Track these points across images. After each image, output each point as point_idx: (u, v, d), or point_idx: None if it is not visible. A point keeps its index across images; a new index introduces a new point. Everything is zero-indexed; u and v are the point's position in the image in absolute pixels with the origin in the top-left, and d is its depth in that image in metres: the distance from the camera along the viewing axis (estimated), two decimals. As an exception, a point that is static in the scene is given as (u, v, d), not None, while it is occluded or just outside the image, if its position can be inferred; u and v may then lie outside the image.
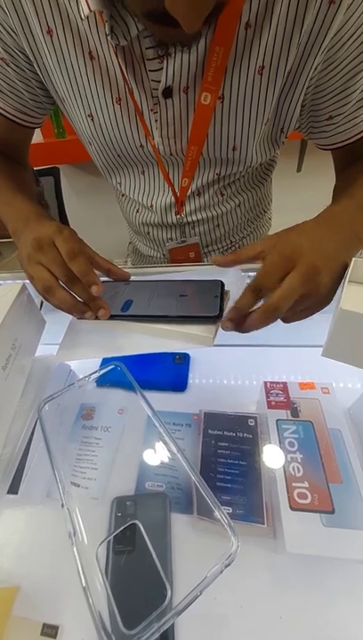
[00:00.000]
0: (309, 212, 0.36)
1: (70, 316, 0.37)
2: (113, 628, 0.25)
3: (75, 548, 0.28)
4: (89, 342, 0.35)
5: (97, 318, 0.34)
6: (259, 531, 0.34)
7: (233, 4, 0.31)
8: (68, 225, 1.46)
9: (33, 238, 0.34)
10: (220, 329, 0.33)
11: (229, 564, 0.25)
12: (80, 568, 0.27)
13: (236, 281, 0.38)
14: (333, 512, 0.31)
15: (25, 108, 0.47)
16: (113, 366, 0.39)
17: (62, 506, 0.32)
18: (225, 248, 0.63)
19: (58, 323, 0.41)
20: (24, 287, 0.39)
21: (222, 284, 0.35)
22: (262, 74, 0.36)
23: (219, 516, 0.27)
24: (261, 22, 0.33)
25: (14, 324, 0.35)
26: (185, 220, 0.54)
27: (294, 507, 0.32)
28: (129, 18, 0.32)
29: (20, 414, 0.34)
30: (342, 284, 0.31)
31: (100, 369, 0.40)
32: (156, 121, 0.41)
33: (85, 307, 0.34)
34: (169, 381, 0.50)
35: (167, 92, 0.37)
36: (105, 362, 0.46)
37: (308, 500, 0.32)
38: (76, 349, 0.35)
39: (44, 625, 0.33)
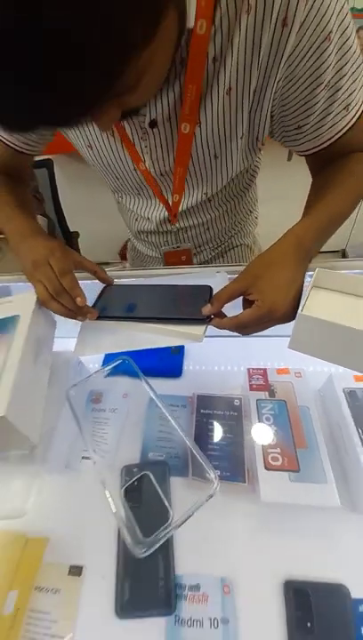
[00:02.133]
0: (298, 201, 0.42)
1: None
2: (134, 537, 0.36)
3: (107, 492, 0.38)
4: (101, 340, 0.42)
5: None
6: (241, 488, 0.42)
7: (199, 47, 0.35)
8: (64, 215, 1.48)
9: (32, 260, 0.42)
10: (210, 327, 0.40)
11: (212, 496, 0.35)
12: (111, 502, 0.37)
13: (221, 284, 0.45)
14: (298, 471, 0.40)
15: (29, 140, 0.51)
16: (122, 360, 0.46)
17: (94, 463, 0.40)
18: (215, 247, 0.69)
19: (66, 322, 0.49)
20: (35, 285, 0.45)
21: (211, 290, 0.42)
22: (230, 95, 0.39)
23: (206, 468, 0.37)
24: (225, 53, 0.36)
25: (37, 326, 0.42)
26: (179, 226, 0.60)
27: (269, 467, 0.40)
28: None
29: (50, 400, 0.41)
30: (303, 295, 0.37)
31: (113, 361, 0.48)
32: (146, 147, 0.46)
33: (74, 313, 0.43)
34: (167, 369, 0.57)
35: (153, 124, 0.43)
36: (111, 356, 0.54)
37: (279, 462, 0.40)
38: (90, 346, 0.43)
39: (71, 566, 0.40)
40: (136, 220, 0.62)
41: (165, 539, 0.34)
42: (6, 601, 0.38)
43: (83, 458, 0.49)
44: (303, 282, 0.39)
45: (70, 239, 1.53)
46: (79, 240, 1.58)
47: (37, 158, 1.39)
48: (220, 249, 0.70)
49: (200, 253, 0.68)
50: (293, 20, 0.33)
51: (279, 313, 0.36)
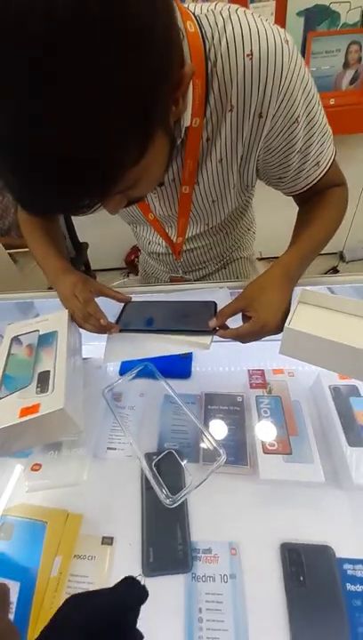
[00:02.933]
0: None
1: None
2: (166, 494, 0.46)
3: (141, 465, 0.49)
4: (124, 349, 0.51)
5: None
6: (244, 470, 0.50)
7: (195, 135, 0.44)
8: (74, 228, 1.57)
9: (62, 294, 0.53)
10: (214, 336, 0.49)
11: (220, 465, 0.45)
12: (147, 472, 0.48)
13: (224, 298, 0.53)
14: (291, 453, 0.48)
15: None
16: (144, 365, 0.55)
17: (131, 445, 0.51)
18: (217, 262, 0.77)
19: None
20: (70, 313, 0.54)
21: (215, 305, 0.51)
22: (221, 162, 0.49)
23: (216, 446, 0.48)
24: (216, 134, 0.45)
25: (71, 338, 0.50)
26: (184, 248, 0.69)
27: (266, 451, 0.48)
28: None
29: (87, 398, 0.50)
30: (290, 311, 0.46)
31: (138, 366, 0.57)
32: (156, 198, 0.56)
33: (102, 330, 0.52)
34: (178, 371, 0.65)
35: (160, 184, 0.52)
36: (127, 362, 0.63)
37: (275, 447, 0.49)
38: (116, 354, 0.52)
39: (103, 537, 0.48)
40: (149, 243, 0.72)
41: (186, 496, 0.45)
42: (53, 565, 0.46)
43: (108, 448, 0.57)
44: (290, 300, 0.48)
45: (80, 250, 1.62)
46: (88, 250, 1.67)
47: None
48: (221, 263, 0.79)
49: (204, 268, 0.76)
50: (267, 113, 0.42)
51: (271, 327, 0.45)
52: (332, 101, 1.48)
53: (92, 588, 0.45)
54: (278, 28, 0.39)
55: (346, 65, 1.49)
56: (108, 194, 0.30)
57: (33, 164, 0.25)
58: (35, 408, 0.39)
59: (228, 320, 0.49)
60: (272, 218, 1.23)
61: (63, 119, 0.23)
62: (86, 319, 0.51)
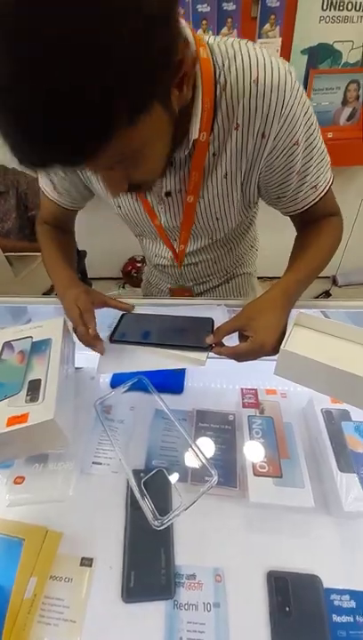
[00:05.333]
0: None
1: (105, 342, 0.53)
2: (153, 516, 0.43)
3: (129, 482, 0.46)
4: (119, 361, 0.50)
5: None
6: (233, 492, 0.49)
7: (202, 149, 0.47)
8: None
9: (67, 304, 0.54)
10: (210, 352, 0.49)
11: (212, 486, 0.43)
12: (136, 491, 0.46)
13: (221, 316, 0.53)
14: (281, 477, 0.47)
15: (75, 201, 0.64)
16: (138, 378, 0.55)
17: (120, 460, 0.49)
18: (219, 277, 0.78)
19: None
20: (65, 321, 0.54)
21: (213, 322, 0.51)
22: (226, 178, 0.51)
23: (207, 465, 0.46)
24: (222, 150, 0.48)
25: (65, 347, 0.50)
26: (188, 262, 0.71)
27: (256, 474, 0.48)
28: None
29: (76, 410, 0.49)
30: (286, 334, 0.46)
31: (132, 379, 0.56)
32: (161, 209, 0.57)
33: (87, 341, 0.52)
34: (170, 386, 0.65)
35: (168, 194, 0.54)
36: (120, 374, 0.62)
37: (266, 470, 0.48)
38: (110, 365, 0.50)
39: (82, 558, 0.46)
40: (155, 256, 0.74)
41: (175, 518, 0.43)
42: (28, 585, 0.44)
43: (93, 463, 0.56)
44: (287, 323, 0.49)
45: (78, 257, 1.62)
46: (86, 258, 1.67)
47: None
48: (224, 278, 0.80)
49: (207, 282, 0.78)
50: (269, 134, 0.45)
51: (268, 348, 0.46)
52: (330, 135, 1.55)
53: (67, 612, 0.43)
54: (283, 60, 0.43)
55: (344, 102, 1.58)
56: (104, 148, 0.30)
57: (32, 102, 0.25)
58: (23, 417, 0.38)
59: (224, 338, 0.49)
60: (275, 240, 1.26)
61: (63, 49, 0.24)
62: (77, 326, 0.52)
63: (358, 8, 1.41)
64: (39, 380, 0.42)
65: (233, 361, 0.49)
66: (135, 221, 0.63)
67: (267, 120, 0.44)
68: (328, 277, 2.24)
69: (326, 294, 2.16)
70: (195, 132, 0.44)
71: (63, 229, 0.70)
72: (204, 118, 0.43)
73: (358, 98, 1.59)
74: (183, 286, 0.78)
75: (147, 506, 0.44)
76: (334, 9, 1.41)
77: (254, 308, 0.49)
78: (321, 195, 0.54)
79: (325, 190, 0.54)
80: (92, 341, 0.51)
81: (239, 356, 0.48)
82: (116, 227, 0.60)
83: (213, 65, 0.42)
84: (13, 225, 1.40)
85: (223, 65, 0.42)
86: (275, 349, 0.46)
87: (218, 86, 0.43)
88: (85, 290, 0.56)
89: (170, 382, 0.65)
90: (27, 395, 0.41)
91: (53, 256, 0.64)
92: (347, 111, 1.61)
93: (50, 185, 0.62)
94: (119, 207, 0.61)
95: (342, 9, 1.42)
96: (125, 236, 0.78)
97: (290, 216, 0.60)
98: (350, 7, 1.41)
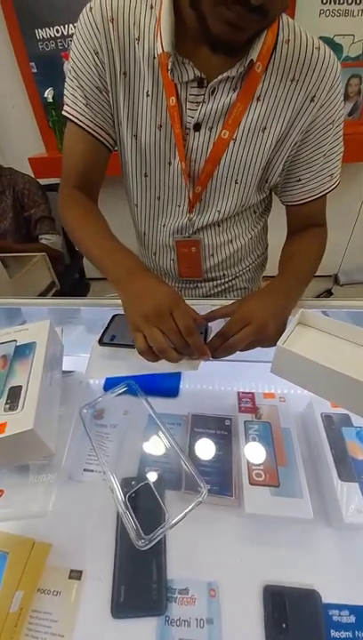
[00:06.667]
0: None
1: (92, 343, 0.50)
2: (137, 534, 0.40)
3: (116, 496, 0.44)
4: (109, 365, 0.48)
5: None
6: (228, 501, 0.47)
7: (253, 80, 0.48)
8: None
9: (153, 305, 0.40)
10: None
11: (201, 502, 0.40)
12: (120, 506, 0.43)
13: (217, 321, 0.51)
14: (278, 486, 0.45)
15: (105, 127, 0.55)
16: (127, 383, 0.52)
17: (104, 473, 0.46)
18: (219, 277, 0.75)
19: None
20: (51, 324, 0.51)
21: (207, 326, 0.48)
22: (263, 132, 0.52)
23: (197, 479, 0.43)
24: (267, 98, 0.50)
25: (50, 351, 0.47)
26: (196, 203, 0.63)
27: (252, 482, 0.45)
28: (184, 67, 0.48)
29: (63, 417, 0.47)
30: (286, 331, 0.44)
31: (121, 385, 0.54)
32: (183, 146, 0.54)
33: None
34: (165, 389, 0.63)
35: (197, 127, 0.52)
36: (112, 378, 0.60)
37: (262, 478, 0.46)
38: (100, 370, 0.48)
39: (71, 570, 0.44)
40: (163, 225, 0.66)
41: (161, 536, 0.40)
42: (13, 600, 0.42)
43: (84, 470, 0.54)
44: (286, 310, 0.49)
45: (76, 257, 1.61)
46: (84, 258, 1.66)
47: (50, 179, 1.49)
48: (224, 286, 0.77)
49: (204, 287, 0.75)
50: (317, 100, 0.49)
51: (270, 331, 0.45)
52: (331, 130, 1.53)
53: (55, 626, 0.41)
54: None
55: (346, 97, 1.55)
56: None
57: None
58: (1, 427, 0.36)
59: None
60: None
61: None
62: (183, 349, 0.41)
63: (358, 2, 1.38)
64: (20, 388, 0.40)
65: (230, 363, 0.47)
66: (148, 160, 0.57)
67: (320, 85, 0.48)
68: (330, 276, 2.21)
69: (328, 293, 2.14)
70: (254, 53, 0.45)
71: (91, 195, 0.59)
72: (263, 50, 0.46)
73: (359, 92, 1.56)
74: (190, 238, 0.66)
75: (130, 524, 0.40)
76: (335, 2, 1.39)
77: (250, 296, 0.50)
78: (333, 186, 0.57)
79: (336, 183, 0.57)
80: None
81: (240, 341, 0.44)
82: (115, 228, 0.56)
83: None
84: (10, 225, 1.38)
85: (288, 23, 0.47)
86: (278, 332, 0.45)
87: (280, 35, 0.46)
88: (180, 297, 0.43)
89: (165, 385, 0.63)
90: (6, 403, 0.39)
91: (94, 232, 0.52)
92: (348, 106, 1.58)
93: (81, 100, 0.52)
94: (135, 136, 0.55)
95: (343, 2, 1.39)
96: (124, 235, 0.75)
97: (294, 208, 0.61)
98: (350, 1, 1.39)
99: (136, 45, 0.48)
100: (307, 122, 0.51)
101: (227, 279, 0.75)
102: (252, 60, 0.45)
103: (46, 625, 0.41)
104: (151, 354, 0.42)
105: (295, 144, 0.53)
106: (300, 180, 0.57)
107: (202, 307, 0.52)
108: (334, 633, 0.39)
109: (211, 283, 0.75)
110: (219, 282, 0.75)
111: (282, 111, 0.50)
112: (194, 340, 0.41)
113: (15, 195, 1.38)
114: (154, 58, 0.48)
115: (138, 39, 0.48)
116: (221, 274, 0.74)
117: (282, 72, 0.48)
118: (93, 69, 0.50)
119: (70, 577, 0.44)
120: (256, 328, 0.44)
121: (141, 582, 0.42)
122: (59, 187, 0.61)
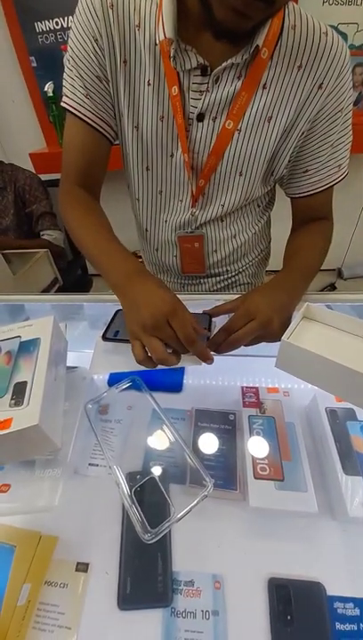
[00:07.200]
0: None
1: (96, 339, 0.50)
2: (143, 528, 0.40)
3: (122, 490, 0.43)
4: (113, 360, 0.48)
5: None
6: (233, 494, 0.47)
7: (258, 67, 0.46)
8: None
9: (151, 314, 0.38)
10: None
11: (206, 496, 0.40)
12: (126, 500, 0.42)
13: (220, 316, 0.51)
14: (283, 480, 0.45)
15: (106, 118, 0.54)
16: (133, 378, 0.53)
17: (109, 467, 0.45)
18: (222, 273, 0.74)
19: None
20: (55, 320, 0.51)
21: (210, 318, 0.48)
22: (269, 122, 0.50)
23: (203, 474, 0.43)
24: (273, 86, 0.48)
25: (54, 347, 0.47)
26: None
27: (257, 477, 0.45)
28: (187, 54, 0.47)
29: (68, 412, 0.47)
30: (291, 325, 0.44)
31: (126, 380, 0.54)
32: (186, 137, 0.53)
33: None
34: (168, 384, 0.63)
35: (200, 117, 0.51)
36: (116, 373, 0.60)
37: (267, 472, 0.46)
38: (104, 365, 0.48)
39: (78, 563, 0.44)
40: (165, 221, 0.65)
41: (167, 530, 0.40)
42: (20, 593, 0.43)
43: (90, 464, 0.54)
44: (291, 305, 0.48)
45: (78, 253, 1.61)
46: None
47: (51, 174, 1.48)
48: (227, 282, 0.76)
49: (206, 283, 0.74)
50: (325, 87, 0.48)
51: (275, 326, 0.44)
52: (335, 121, 1.50)
53: (62, 618, 0.41)
54: None
55: (351, 86, 1.52)
56: None
57: None
58: (6, 423, 0.36)
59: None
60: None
61: None
62: (184, 353, 0.41)
63: (363, -12, 1.35)
64: (25, 383, 0.40)
65: (234, 358, 0.47)
66: (149, 153, 0.55)
67: (328, 71, 0.46)
68: (334, 270, 2.20)
69: (332, 287, 2.12)
70: (260, 38, 0.44)
71: (92, 191, 0.57)
72: (269, 35, 0.44)
73: (364, 82, 1.53)
74: (193, 233, 0.65)
75: (136, 517, 0.41)
76: (339, -10, 1.36)
77: (254, 291, 0.49)
78: (341, 177, 0.56)
79: (344, 174, 0.56)
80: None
81: (246, 336, 0.44)
82: (117, 223, 0.54)
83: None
84: (11, 221, 1.38)
85: (294, 9, 0.46)
86: (283, 327, 0.44)
87: (285, 21, 0.45)
88: (179, 302, 0.41)
89: (169, 381, 0.63)
90: (11, 398, 0.39)
91: (95, 231, 0.50)
92: (353, 96, 1.55)
93: (81, 91, 0.51)
94: (136, 128, 0.54)
95: (347, -10, 1.36)
96: (126, 232, 0.74)
97: (300, 200, 0.60)
98: (355, -12, 1.35)
99: (137, 32, 0.47)
100: (314, 110, 0.49)
101: (230, 274, 0.75)
102: (257, 45, 0.44)
103: (53, 617, 0.41)
104: (150, 362, 0.41)
105: (302, 134, 0.51)
106: (306, 172, 0.55)
107: (206, 302, 0.52)
108: (338, 625, 0.39)
109: (214, 279, 0.74)
110: (222, 277, 0.74)
111: (289, 99, 0.49)
112: (196, 349, 0.40)
113: (16, 191, 1.38)
114: (155, 45, 0.47)
115: (138, 26, 0.47)
116: (225, 269, 0.73)
117: (289, 59, 0.46)
118: (93, 57, 0.49)
119: (77, 569, 0.44)
120: (261, 323, 0.43)
121: (146, 574, 0.42)
122: (59, 183, 0.60)
